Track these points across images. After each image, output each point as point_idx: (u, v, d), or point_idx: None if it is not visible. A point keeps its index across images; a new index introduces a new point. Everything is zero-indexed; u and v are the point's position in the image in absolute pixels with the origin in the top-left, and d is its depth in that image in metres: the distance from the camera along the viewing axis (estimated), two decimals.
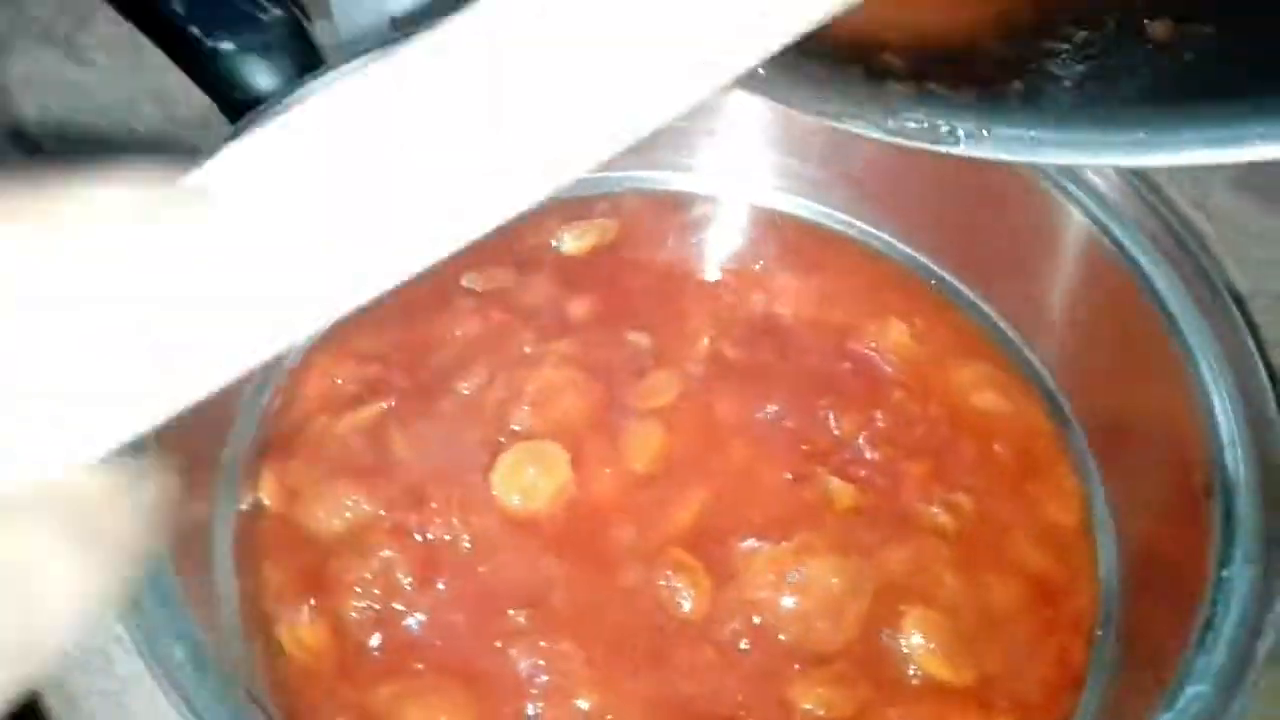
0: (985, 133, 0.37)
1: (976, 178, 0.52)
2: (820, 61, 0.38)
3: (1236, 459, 0.41)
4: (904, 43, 0.39)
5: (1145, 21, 0.36)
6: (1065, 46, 0.37)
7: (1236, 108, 0.32)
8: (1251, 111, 0.31)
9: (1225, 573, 0.38)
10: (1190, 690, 0.35)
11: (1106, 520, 0.48)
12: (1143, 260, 0.48)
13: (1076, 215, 0.50)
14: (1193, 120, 0.33)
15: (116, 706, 0.53)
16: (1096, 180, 0.50)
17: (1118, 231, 0.49)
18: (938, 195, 0.55)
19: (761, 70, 0.35)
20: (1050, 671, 0.44)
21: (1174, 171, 0.63)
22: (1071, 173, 0.50)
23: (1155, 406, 0.47)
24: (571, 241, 0.56)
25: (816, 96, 0.40)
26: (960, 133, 0.38)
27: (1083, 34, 0.37)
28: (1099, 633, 0.45)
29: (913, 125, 0.38)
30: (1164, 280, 0.47)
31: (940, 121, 0.38)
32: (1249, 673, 0.34)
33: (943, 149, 0.38)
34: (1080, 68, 0.37)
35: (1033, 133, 0.36)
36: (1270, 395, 0.41)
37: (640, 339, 0.52)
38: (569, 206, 0.57)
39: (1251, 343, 0.43)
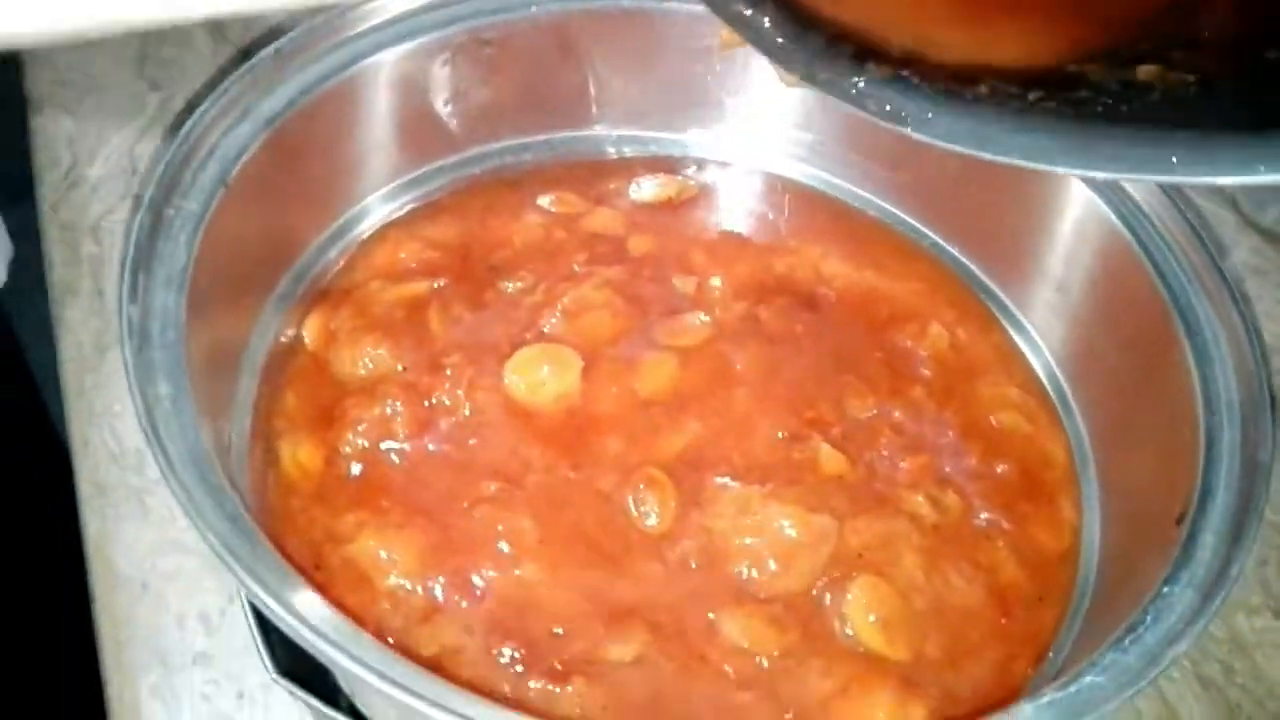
0: (930, 117, 0.37)
1: (1063, 212, 0.52)
2: (820, 33, 0.39)
3: (1217, 495, 0.40)
4: (908, 48, 0.40)
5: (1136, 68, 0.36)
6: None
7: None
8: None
9: (1166, 589, 0.37)
10: (1088, 679, 0.34)
11: (1093, 555, 0.47)
12: (1192, 317, 0.47)
13: (1150, 273, 0.49)
14: (1133, 141, 0.33)
15: (138, 503, 0.58)
16: (1179, 245, 0.49)
17: (1178, 291, 0.48)
18: (1023, 223, 0.55)
19: (767, 22, 0.38)
20: (988, 675, 0.44)
21: None
22: (1148, 223, 0.50)
23: (1164, 451, 0.45)
24: (649, 190, 0.59)
25: (796, 54, 0.40)
26: (908, 116, 0.38)
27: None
28: (1051, 655, 0.44)
29: (872, 102, 0.39)
30: (1211, 348, 0.46)
31: (896, 105, 0.38)
32: (1148, 674, 0.33)
33: (891, 126, 0.38)
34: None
35: (979, 127, 0.36)
36: (1270, 442, 0.40)
37: (685, 284, 0.54)
38: (659, 162, 0.61)
39: (1269, 399, 0.42)
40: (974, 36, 0.39)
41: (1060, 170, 0.34)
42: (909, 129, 0.37)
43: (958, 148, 0.36)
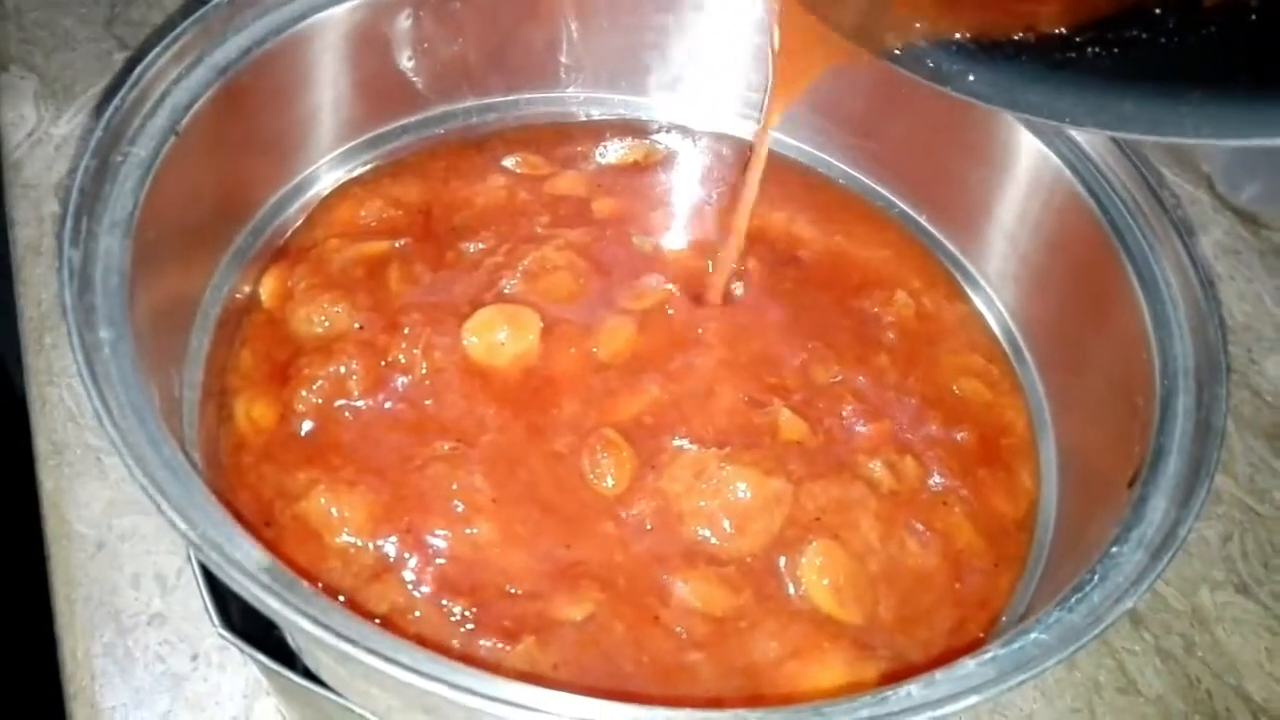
0: (971, 78, 0.38)
1: (1046, 193, 0.51)
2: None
3: (1169, 458, 0.39)
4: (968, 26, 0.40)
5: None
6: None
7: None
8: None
9: (1115, 549, 0.37)
10: (1032, 636, 0.34)
11: (1049, 522, 0.47)
12: (1150, 279, 0.46)
13: (1109, 234, 0.49)
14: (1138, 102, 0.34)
15: (95, 461, 0.57)
16: (1138, 206, 0.48)
17: (1137, 254, 0.47)
18: (986, 190, 0.54)
19: None
20: (940, 639, 0.43)
21: None
22: (1128, 217, 0.49)
23: (1119, 415, 0.45)
24: (616, 153, 0.58)
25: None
26: (949, 77, 0.39)
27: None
28: (1004, 619, 0.44)
29: (915, 63, 0.40)
30: (1169, 312, 0.45)
31: (938, 64, 0.39)
32: (1092, 631, 0.33)
33: (933, 85, 0.39)
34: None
35: (1012, 88, 0.37)
36: (1223, 406, 0.40)
37: (646, 244, 0.54)
38: (627, 125, 0.60)
39: (1224, 365, 0.42)
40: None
41: (1086, 130, 0.36)
42: (949, 88, 0.38)
43: (994, 106, 0.37)
